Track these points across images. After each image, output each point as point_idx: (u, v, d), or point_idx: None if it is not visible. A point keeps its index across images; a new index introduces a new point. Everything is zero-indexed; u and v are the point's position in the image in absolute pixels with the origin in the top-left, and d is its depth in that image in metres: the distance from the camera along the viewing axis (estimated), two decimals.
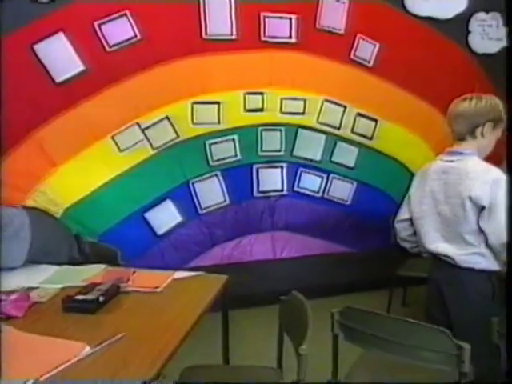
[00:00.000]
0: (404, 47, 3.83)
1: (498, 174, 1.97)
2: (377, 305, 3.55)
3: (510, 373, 1.15)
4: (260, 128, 3.78)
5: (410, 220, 2.30)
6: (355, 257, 4.10)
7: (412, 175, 4.13)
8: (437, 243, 2.11)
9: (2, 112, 2.97)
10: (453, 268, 2.07)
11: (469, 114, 2.03)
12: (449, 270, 2.08)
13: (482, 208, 1.97)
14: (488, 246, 2.03)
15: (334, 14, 3.69)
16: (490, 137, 2.07)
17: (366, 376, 2.07)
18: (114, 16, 3.24)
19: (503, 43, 3.93)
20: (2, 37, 2.95)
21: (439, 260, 2.13)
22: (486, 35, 3.91)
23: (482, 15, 3.89)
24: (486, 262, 2.02)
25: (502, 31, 3.92)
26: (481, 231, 2.01)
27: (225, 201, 3.84)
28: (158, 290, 2.13)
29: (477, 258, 2.01)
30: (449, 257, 2.06)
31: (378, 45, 3.81)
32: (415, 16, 3.83)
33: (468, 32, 3.93)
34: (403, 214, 2.33)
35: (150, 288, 2.13)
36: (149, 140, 3.53)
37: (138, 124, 3.48)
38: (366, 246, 4.10)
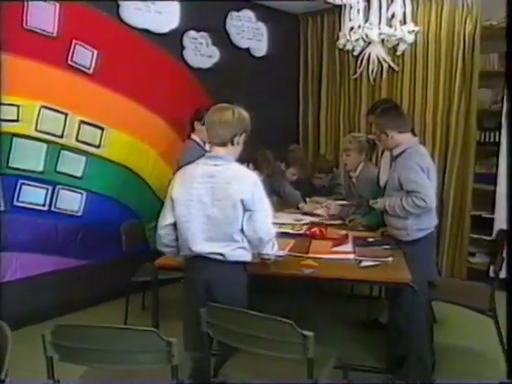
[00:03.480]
0: (124, 57, 3.63)
1: (256, 178, 2.07)
2: (117, 314, 3.38)
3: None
4: None
5: (174, 224, 2.15)
6: (90, 269, 3.67)
7: (144, 182, 4.02)
8: (204, 244, 2.06)
9: None
10: (221, 264, 2.07)
11: (233, 124, 2.06)
12: (217, 266, 2.06)
13: (248, 209, 2.04)
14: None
15: (43, 15, 3.18)
16: (240, 145, 2.15)
17: None
18: None
19: (214, 60, 4.16)
20: None
21: (207, 259, 2.08)
22: (199, 52, 4.06)
23: (193, 33, 4.01)
24: (247, 254, 2.11)
25: (212, 49, 4.15)
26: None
27: None
28: None
29: (241, 251, 2.08)
30: (219, 254, 2.05)
31: (96, 52, 3.48)
32: (132, 27, 3.65)
33: (183, 47, 3.98)
34: (167, 219, 2.15)
35: None
36: None
37: None
38: (100, 257, 3.70)
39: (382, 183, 2.83)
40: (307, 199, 3.92)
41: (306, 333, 1.71)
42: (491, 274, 2.98)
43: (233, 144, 2.09)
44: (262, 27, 4.58)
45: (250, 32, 4.48)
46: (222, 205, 2.01)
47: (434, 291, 2.78)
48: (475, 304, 2.79)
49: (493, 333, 2.74)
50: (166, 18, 3.81)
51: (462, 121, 4.08)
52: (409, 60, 4.28)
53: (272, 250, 2.16)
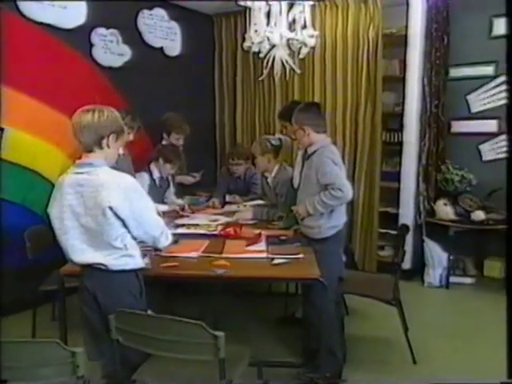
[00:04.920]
0: (25, 53, 3.40)
1: (128, 181, 1.97)
2: (25, 326, 3.17)
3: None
4: None
5: None
6: None
7: (52, 185, 3.77)
8: (85, 254, 1.99)
9: None
10: (105, 273, 1.99)
11: (94, 127, 1.92)
12: (101, 276, 1.99)
13: (121, 217, 1.93)
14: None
15: None
16: (114, 147, 2.02)
17: None
18: None
19: (126, 58, 4.03)
20: None
21: (92, 269, 2.02)
22: (109, 49, 3.91)
23: (102, 30, 3.85)
24: (134, 262, 2.04)
25: (123, 47, 4.01)
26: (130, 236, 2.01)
27: None
28: None
29: (125, 259, 2.00)
30: (101, 264, 1.98)
31: None
32: (34, 22, 3.44)
33: (91, 45, 3.81)
34: None
35: None
36: None
37: None
38: (4, 266, 3.44)
39: (295, 184, 2.90)
40: (227, 196, 3.97)
41: (216, 333, 1.71)
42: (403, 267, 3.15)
43: (101, 148, 1.95)
44: (176, 26, 4.53)
45: (163, 31, 4.40)
46: (94, 213, 1.91)
47: (344, 285, 2.91)
48: (381, 295, 2.96)
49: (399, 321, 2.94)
50: (71, 13, 3.62)
51: (368, 122, 4.31)
52: (319, 63, 4.44)
53: (167, 240, 2.10)
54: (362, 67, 4.25)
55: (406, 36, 4.14)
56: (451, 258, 4.30)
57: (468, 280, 4.37)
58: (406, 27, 4.12)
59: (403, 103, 4.25)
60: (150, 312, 2.02)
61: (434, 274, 4.30)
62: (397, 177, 4.38)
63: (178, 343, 1.78)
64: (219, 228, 3.05)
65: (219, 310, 3.32)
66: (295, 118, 2.77)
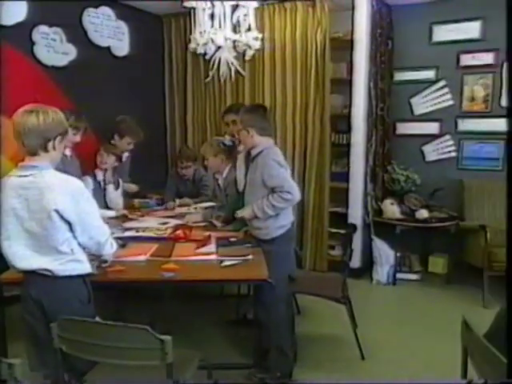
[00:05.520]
0: None
1: (75, 184, 1.92)
2: None
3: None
4: None
5: None
6: None
7: None
8: (30, 260, 1.92)
9: None
10: (51, 280, 1.93)
11: (39, 130, 1.85)
12: (46, 282, 1.92)
13: (67, 220, 1.88)
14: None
15: None
16: (59, 149, 1.97)
17: None
18: None
19: (70, 57, 3.89)
20: None
21: (36, 275, 1.96)
22: (52, 48, 3.76)
23: (44, 28, 3.70)
24: (81, 267, 1.98)
25: (68, 46, 3.87)
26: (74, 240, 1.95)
27: None
28: None
29: (73, 264, 1.94)
30: (46, 270, 1.92)
31: None
32: None
33: (33, 43, 3.66)
34: None
35: None
36: None
37: None
38: None
39: (240, 187, 2.91)
40: (177, 200, 3.93)
41: (163, 337, 1.68)
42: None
43: (47, 151, 1.88)
44: (123, 26, 4.42)
45: (109, 30, 4.29)
46: (39, 217, 1.84)
47: (294, 284, 2.94)
48: (330, 293, 3.01)
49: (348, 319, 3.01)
50: (10, 9, 3.47)
51: (317, 124, 4.38)
52: (268, 65, 4.48)
53: (112, 248, 2.06)
54: (310, 70, 4.32)
55: (352, 40, 4.25)
56: (398, 255, 4.44)
57: (414, 276, 4.52)
58: (352, 32, 4.23)
59: (350, 105, 4.35)
60: (97, 319, 1.96)
61: (382, 271, 4.42)
62: (345, 177, 4.48)
63: (123, 350, 1.74)
64: (169, 231, 3.01)
65: (170, 314, 3.29)
66: (241, 118, 2.78)
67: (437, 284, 4.35)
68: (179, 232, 2.90)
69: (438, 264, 4.58)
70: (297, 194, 2.65)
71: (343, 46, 4.32)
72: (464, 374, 1.81)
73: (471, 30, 4.30)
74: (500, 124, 4.29)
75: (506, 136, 4.28)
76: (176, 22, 4.90)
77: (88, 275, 2.01)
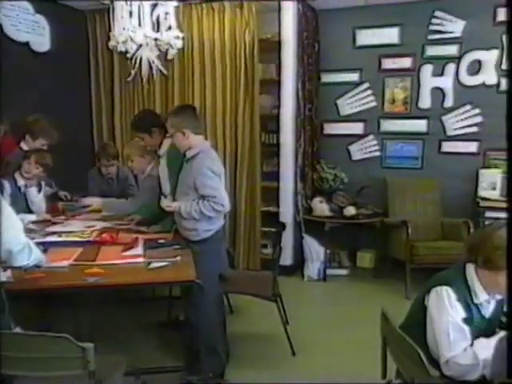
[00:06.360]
0: None
1: None
2: None
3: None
4: None
5: None
6: None
7: None
8: None
9: None
10: None
11: None
12: None
13: None
14: None
15: None
16: None
17: None
18: None
19: None
20: None
21: None
22: None
23: None
24: None
25: None
26: None
27: None
28: None
29: None
30: None
31: None
32: None
33: None
34: None
35: None
36: None
37: None
38: None
39: (165, 191, 2.87)
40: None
41: (84, 345, 1.62)
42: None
43: None
44: (43, 21, 4.21)
45: (27, 25, 4.07)
46: None
47: (226, 284, 2.94)
48: (261, 292, 3.05)
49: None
50: None
51: (248, 124, 4.41)
52: (198, 65, 4.45)
53: (29, 259, 1.91)
54: (240, 70, 4.34)
55: (279, 42, 4.32)
56: (328, 251, 4.58)
57: (343, 272, 4.69)
58: (280, 33, 4.31)
59: (279, 106, 4.43)
60: (18, 329, 1.85)
61: (313, 267, 4.54)
62: (276, 177, 4.55)
63: (42, 360, 1.65)
64: (94, 234, 2.91)
65: (100, 320, 3.18)
66: (171, 122, 2.69)
67: (365, 278, 4.54)
68: (105, 235, 2.81)
69: (365, 259, 4.79)
70: (227, 206, 2.66)
71: (272, 48, 4.38)
72: (384, 362, 1.91)
73: (391, 35, 4.53)
74: (419, 125, 4.57)
75: (425, 137, 4.56)
76: (100, 18, 4.72)
77: (1, 284, 1.87)
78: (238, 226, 4.55)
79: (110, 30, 4.54)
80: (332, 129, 4.89)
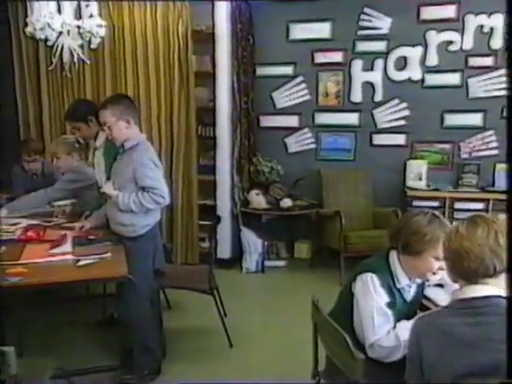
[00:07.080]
0: None
1: None
2: None
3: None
4: None
5: None
6: None
7: None
8: None
9: None
10: None
11: None
12: None
13: None
14: None
15: None
16: None
17: None
18: None
19: None
20: None
21: None
22: None
23: None
24: None
25: None
26: None
27: None
28: None
29: None
30: None
31: None
32: None
33: None
34: None
35: None
36: None
37: None
38: None
39: (101, 183, 2.78)
40: None
41: (5, 348, 1.55)
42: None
43: None
44: None
45: None
46: None
47: (163, 279, 2.90)
48: (197, 285, 3.04)
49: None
50: None
51: (183, 117, 4.35)
52: (130, 57, 4.31)
53: None
54: (173, 63, 4.26)
55: (213, 34, 4.29)
56: (265, 243, 4.63)
57: (281, 263, 4.76)
58: (213, 26, 4.28)
59: (215, 99, 4.41)
60: None
61: (251, 260, 4.57)
62: (212, 170, 4.53)
63: None
64: (19, 232, 2.76)
65: (28, 321, 3.03)
66: (112, 111, 2.53)
67: (302, 268, 4.63)
68: (31, 233, 2.68)
69: (302, 250, 4.89)
70: (168, 199, 2.60)
71: (206, 39, 4.34)
72: (315, 348, 1.96)
73: (322, 30, 4.62)
74: (351, 118, 4.71)
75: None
76: (23, 4, 4.45)
77: None
78: (175, 220, 4.49)
79: (26, 16, 4.36)
80: (268, 121, 4.93)
